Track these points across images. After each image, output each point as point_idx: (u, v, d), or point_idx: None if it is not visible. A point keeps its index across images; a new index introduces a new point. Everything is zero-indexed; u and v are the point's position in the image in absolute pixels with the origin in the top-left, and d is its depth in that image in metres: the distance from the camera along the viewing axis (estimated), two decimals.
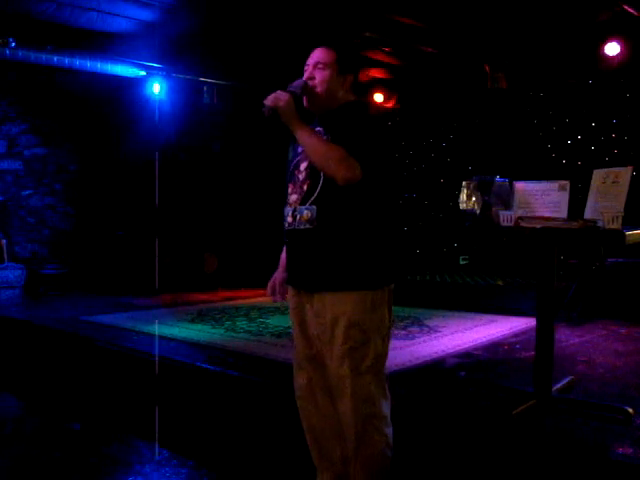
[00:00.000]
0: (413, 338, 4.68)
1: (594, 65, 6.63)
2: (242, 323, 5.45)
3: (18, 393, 4.62)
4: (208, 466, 3.12)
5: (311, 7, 5.99)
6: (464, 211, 2.93)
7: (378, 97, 8.56)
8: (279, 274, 2.50)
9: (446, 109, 8.89)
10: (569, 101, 7.79)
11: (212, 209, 8.70)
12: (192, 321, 5.60)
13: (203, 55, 7.38)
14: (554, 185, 2.83)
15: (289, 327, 4.96)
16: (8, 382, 4.92)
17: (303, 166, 2.27)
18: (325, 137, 2.22)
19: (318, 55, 2.29)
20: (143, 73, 7.51)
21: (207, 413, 3.65)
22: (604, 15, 6.12)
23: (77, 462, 3.20)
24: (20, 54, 6.48)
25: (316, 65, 2.28)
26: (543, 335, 2.98)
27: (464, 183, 2.97)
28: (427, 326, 5.21)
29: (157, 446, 3.36)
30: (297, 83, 2.27)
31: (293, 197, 2.27)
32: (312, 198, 2.19)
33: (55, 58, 6.68)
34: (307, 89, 2.26)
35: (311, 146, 2.16)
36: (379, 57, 7.57)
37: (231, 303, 6.85)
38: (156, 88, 7.62)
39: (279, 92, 2.18)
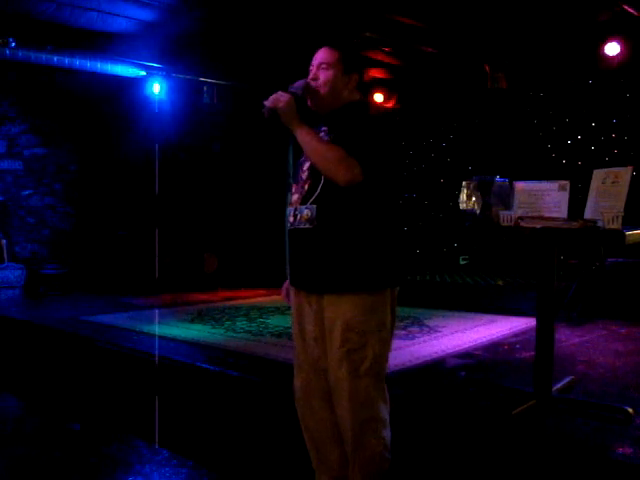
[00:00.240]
0: (413, 338, 4.68)
1: (594, 65, 6.64)
2: (242, 323, 5.45)
3: (18, 393, 4.62)
4: (208, 466, 3.12)
5: (311, 7, 5.99)
6: (464, 211, 2.93)
7: (378, 97, 8.56)
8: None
9: (446, 109, 8.89)
10: (569, 101, 7.79)
11: (212, 209, 8.70)
12: (192, 321, 5.60)
13: (203, 55, 7.38)
14: (554, 185, 2.83)
15: (289, 327, 4.96)
16: (8, 382, 4.92)
17: (306, 166, 2.26)
18: (328, 137, 2.20)
19: (322, 55, 2.27)
20: (143, 73, 7.51)
21: (207, 413, 3.65)
22: (604, 15, 6.12)
23: (77, 462, 3.20)
24: (20, 54, 6.48)
25: (320, 65, 2.26)
26: (543, 335, 2.98)
27: (464, 183, 2.97)
28: (427, 326, 5.21)
29: (157, 446, 3.35)
30: (299, 84, 2.25)
31: (295, 197, 2.27)
32: (312, 198, 2.18)
33: (55, 58, 6.68)
34: (310, 90, 2.25)
35: (311, 147, 2.15)
36: (379, 57, 7.58)
37: (231, 303, 6.85)
38: (156, 88, 7.62)
39: (279, 93, 2.17)
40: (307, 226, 2.18)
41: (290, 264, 2.36)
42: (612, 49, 6.39)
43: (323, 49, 2.28)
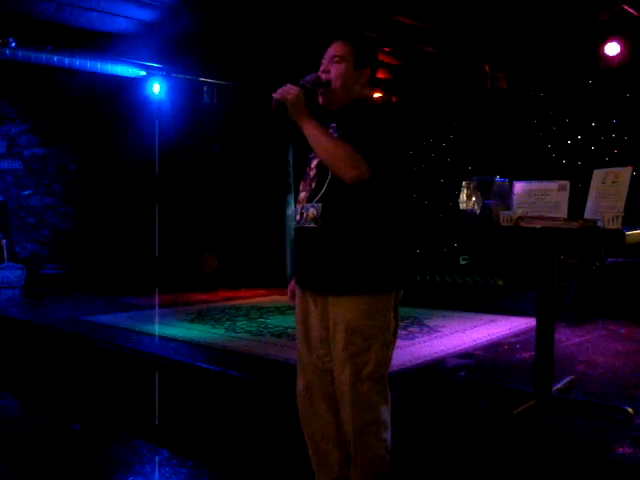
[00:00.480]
0: (413, 338, 4.68)
1: (594, 65, 6.64)
2: (242, 323, 5.45)
3: (18, 393, 4.62)
4: (208, 466, 3.12)
5: (311, 7, 5.99)
6: (464, 211, 2.93)
7: (378, 97, 8.56)
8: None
9: (446, 109, 8.89)
10: (569, 101, 7.79)
11: (212, 209, 8.70)
12: (192, 321, 5.60)
13: (203, 55, 7.38)
14: (554, 185, 2.83)
15: (289, 327, 4.98)
16: (8, 382, 4.92)
17: (314, 163, 2.22)
18: (337, 133, 2.16)
19: (334, 48, 2.21)
20: (143, 73, 7.51)
21: (207, 413, 3.65)
22: (604, 15, 6.12)
23: (77, 462, 3.20)
24: (20, 54, 6.48)
25: (332, 58, 2.20)
26: (543, 335, 2.98)
27: (464, 183, 2.97)
28: (427, 326, 5.21)
29: (157, 446, 3.35)
30: (309, 77, 2.18)
31: (302, 194, 2.23)
32: (318, 196, 2.14)
33: (55, 58, 6.68)
34: (320, 83, 2.19)
35: (318, 143, 2.09)
36: (379, 57, 7.56)
37: (231, 303, 6.85)
38: (156, 88, 7.62)
39: (288, 85, 2.12)
40: (312, 225, 2.15)
41: (295, 263, 2.33)
42: (612, 49, 6.38)
43: (336, 42, 2.22)
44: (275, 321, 5.53)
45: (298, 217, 2.22)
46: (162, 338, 4.76)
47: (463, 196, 2.95)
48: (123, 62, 7.23)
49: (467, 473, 2.69)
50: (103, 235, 8.19)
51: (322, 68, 2.22)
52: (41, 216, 8.06)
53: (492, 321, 5.47)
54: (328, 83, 2.19)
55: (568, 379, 3.33)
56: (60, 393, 4.53)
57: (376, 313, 2.13)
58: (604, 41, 6.41)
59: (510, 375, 3.71)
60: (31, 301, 7.10)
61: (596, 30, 6.36)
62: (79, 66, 6.88)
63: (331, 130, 2.19)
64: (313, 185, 2.18)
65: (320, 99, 2.22)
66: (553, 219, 2.68)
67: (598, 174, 2.78)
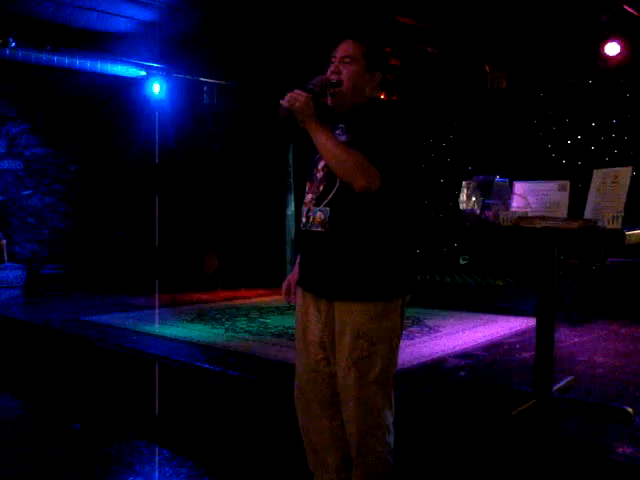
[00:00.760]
0: (413, 338, 4.68)
1: (594, 65, 6.63)
2: (242, 323, 5.45)
3: (18, 393, 4.62)
4: (208, 466, 3.12)
5: (311, 8, 5.99)
6: (464, 211, 2.93)
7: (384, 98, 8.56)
8: (294, 275, 2.39)
9: (446, 109, 8.88)
10: (569, 101, 7.79)
11: (212, 209, 8.70)
12: (192, 321, 5.60)
13: (203, 55, 7.38)
14: (554, 185, 2.83)
15: (289, 327, 4.98)
16: (8, 382, 4.92)
17: (321, 165, 2.16)
18: (345, 136, 2.10)
19: (345, 48, 2.14)
20: (143, 73, 7.52)
21: (207, 413, 3.65)
22: (604, 15, 6.12)
23: (77, 462, 3.20)
24: (20, 54, 6.49)
25: (342, 59, 2.13)
26: (543, 335, 2.98)
27: (464, 183, 2.97)
28: (427, 326, 5.21)
29: (157, 446, 3.35)
30: (317, 79, 2.11)
31: (308, 197, 2.19)
32: (326, 200, 2.10)
33: (55, 58, 6.68)
34: (330, 84, 2.11)
35: (328, 151, 2.03)
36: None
37: (231, 303, 6.85)
38: (156, 88, 7.62)
39: (297, 91, 2.04)
40: (319, 229, 2.11)
41: (300, 266, 2.29)
42: (612, 49, 6.38)
43: (347, 41, 2.15)
44: (275, 321, 5.53)
45: (304, 220, 2.18)
46: (162, 338, 4.76)
47: (463, 196, 2.94)
48: (123, 62, 7.24)
49: (467, 473, 2.69)
50: (103, 235, 8.19)
51: (332, 68, 2.15)
52: (41, 216, 8.06)
53: (492, 321, 5.48)
54: (339, 83, 2.13)
55: (568, 379, 3.33)
56: (60, 393, 4.53)
57: (383, 318, 2.11)
58: (604, 41, 6.41)
59: (510, 375, 3.71)
60: (31, 301, 7.10)
61: (596, 30, 6.36)
62: (79, 66, 6.89)
63: (339, 131, 2.14)
64: (321, 188, 2.13)
65: (329, 100, 2.16)
66: (553, 219, 2.68)
67: (598, 174, 2.78)
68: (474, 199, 2.90)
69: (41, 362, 5.08)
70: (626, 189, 2.63)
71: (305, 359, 2.27)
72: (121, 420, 3.86)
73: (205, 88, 7.89)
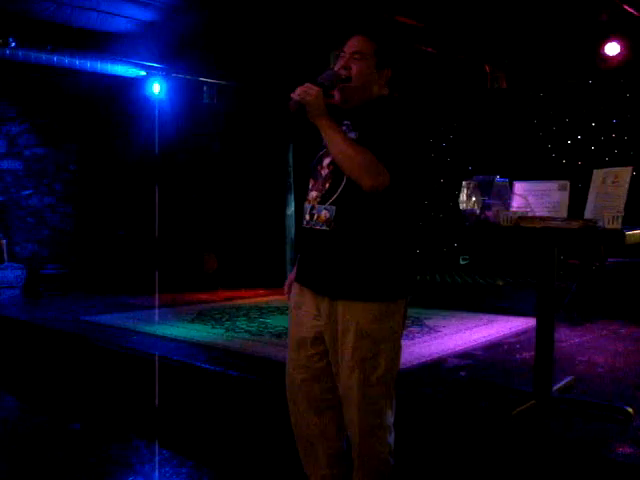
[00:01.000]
0: (413, 338, 4.68)
1: (594, 65, 6.63)
2: (242, 323, 5.45)
3: (18, 393, 4.62)
4: (208, 466, 3.12)
5: (310, 8, 5.99)
6: (464, 211, 2.93)
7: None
8: (295, 273, 2.35)
9: (446, 109, 8.89)
10: (569, 101, 7.80)
11: (212, 209, 8.70)
12: (192, 321, 5.60)
13: (203, 55, 7.38)
14: (554, 185, 2.84)
15: None
16: (8, 382, 4.92)
17: (326, 162, 2.13)
18: (353, 134, 2.07)
19: (356, 44, 2.11)
20: (143, 73, 7.51)
21: (207, 413, 3.65)
22: (604, 15, 6.12)
23: (77, 462, 3.20)
24: (20, 54, 6.48)
25: (353, 55, 2.10)
26: (543, 335, 2.98)
27: (464, 183, 2.97)
28: (427, 326, 5.21)
29: (157, 446, 3.36)
30: (327, 74, 2.08)
31: (313, 194, 2.15)
32: (332, 198, 2.07)
33: (55, 58, 6.68)
34: (340, 79, 2.09)
35: (338, 147, 2.00)
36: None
37: (231, 303, 6.85)
38: (156, 88, 7.62)
39: (308, 85, 2.01)
40: (324, 227, 2.08)
41: (301, 263, 2.26)
42: (612, 49, 6.38)
43: (358, 37, 2.13)
44: (275, 321, 5.53)
45: (307, 217, 2.15)
46: (162, 338, 4.76)
47: (463, 196, 2.95)
48: (123, 62, 7.24)
49: (467, 473, 2.69)
50: (103, 235, 8.19)
51: (342, 63, 2.12)
52: (41, 216, 8.06)
53: (492, 321, 5.47)
54: (349, 79, 2.10)
55: (568, 379, 3.33)
56: (60, 393, 4.54)
57: (388, 318, 2.11)
58: (604, 41, 6.41)
59: (510, 375, 3.71)
60: (31, 301, 7.10)
61: (596, 30, 6.36)
62: (79, 66, 6.88)
63: (344, 128, 2.12)
64: (326, 186, 2.10)
65: (337, 95, 2.13)
66: (553, 219, 2.68)
67: (598, 174, 2.78)
68: (474, 199, 2.90)
69: (41, 362, 5.08)
70: (626, 189, 2.63)
71: (296, 355, 2.25)
72: (121, 420, 3.86)
73: (205, 88, 7.88)
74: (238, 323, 5.46)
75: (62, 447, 3.42)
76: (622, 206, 2.59)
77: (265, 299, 7.12)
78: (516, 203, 2.92)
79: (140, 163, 8.30)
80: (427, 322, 5.39)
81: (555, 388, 3.06)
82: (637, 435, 2.62)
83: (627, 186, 2.64)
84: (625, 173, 2.67)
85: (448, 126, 9.07)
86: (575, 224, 2.59)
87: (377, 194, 1.99)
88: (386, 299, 2.10)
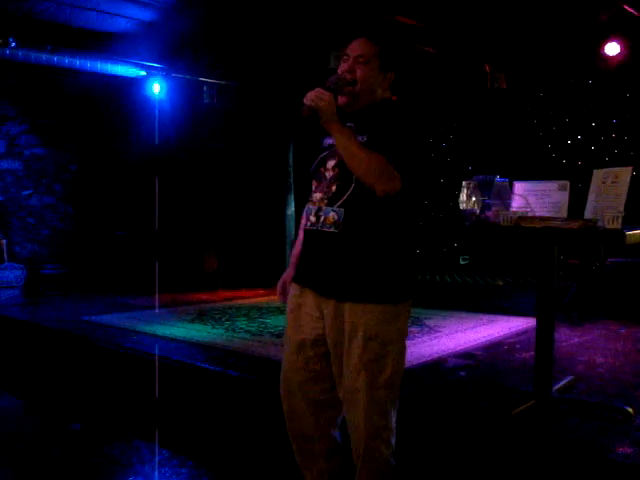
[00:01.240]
0: (413, 338, 4.68)
1: (594, 65, 6.64)
2: (242, 323, 5.45)
3: (18, 393, 4.62)
4: (208, 466, 3.12)
5: (310, 8, 5.99)
6: (464, 211, 2.93)
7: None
8: (289, 273, 2.36)
9: (446, 109, 8.89)
10: (569, 101, 7.79)
11: (212, 209, 8.70)
12: (192, 321, 5.60)
13: (203, 55, 7.39)
14: (554, 185, 2.84)
15: None
16: (8, 382, 4.92)
17: (330, 164, 2.13)
18: (360, 138, 2.06)
19: (360, 47, 2.12)
20: (143, 73, 7.51)
21: (207, 413, 3.65)
22: (604, 15, 6.12)
23: (77, 462, 3.20)
24: (20, 54, 6.48)
25: (357, 58, 2.11)
26: (543, 335, 2.98)
27: (464, 183, 2.97)
28: (427, 326, 5.21)
29: (157, 446, 3.36)
30: (333, 78, 2.09)
31: (318, 195, 2.15)
32: (340, 201, 2.07)
33: (55, 58, 6.68)
34: (344, 82, 2.09)
35: (351, 152, 1.99)
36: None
37: (231, 303, 6.85)
38: (156, 88, 7.62)
39: (320, 90, 2.00)
40: (332, 230, 2.08)
41: (304, 264, 2.25)
42: (612, 49, 6.38)
43: (361, 40, 2.13)
44: (275, 321, 5.53)
45: (313, 219, 2.14)
46: (162, 338, 4.76)
47: (463, 196, 2.95)
48: (123, 62, 7.24)
49: (467, 473, 2.69)
50: (103, 235, 8.19)
51: (346, 67, 2.13)
52: (41, 216, 8.06)
53: (492, 321, 5.47)
54: (354, 82, 2.11)
55: (568, 379, 3.33)
56: (60, 393, 4.54)
57: (394, 319, 2.12)
58: (604, 41, 6.41)
59: (510, 375, 3.71)
60: (31, 301, 7.10)
61: (596, 30, 6.36)
62: (79, 66, 6.88)
63: None
64: (333, 188, 2.10)
65: (341, 99, 2.13)
66: (553, 219, 2.68)
67: (598, 174, 2.78)
68: (474, 199, 2.90)
69: (41, 362, 5.08)
70: (626, 189, 2.64)
71: (294, 357, 2.25)
72: (121, 420, 3.86)
73: (205, 88, 7.88)
74: (238, 323, 5.46)
75: (62, 447, 3.42)
76: (622, 206, 2.59)
77: (265, 299, 7.12)
78: (516, 203, 2.92)
79: (140, 163, 8.30)
80: (427, 322, 5.39)
81: (555, 388, 3.06)
82: (637, 435, 2.62)
83: (627, 186, 2.64)
84: (625, 173, 2.67)
85: (448, 126, 9.07)
86: (575, 224, 2.59)
87: (387, 198, 2.00)
88: (393, 301, 2.11)
